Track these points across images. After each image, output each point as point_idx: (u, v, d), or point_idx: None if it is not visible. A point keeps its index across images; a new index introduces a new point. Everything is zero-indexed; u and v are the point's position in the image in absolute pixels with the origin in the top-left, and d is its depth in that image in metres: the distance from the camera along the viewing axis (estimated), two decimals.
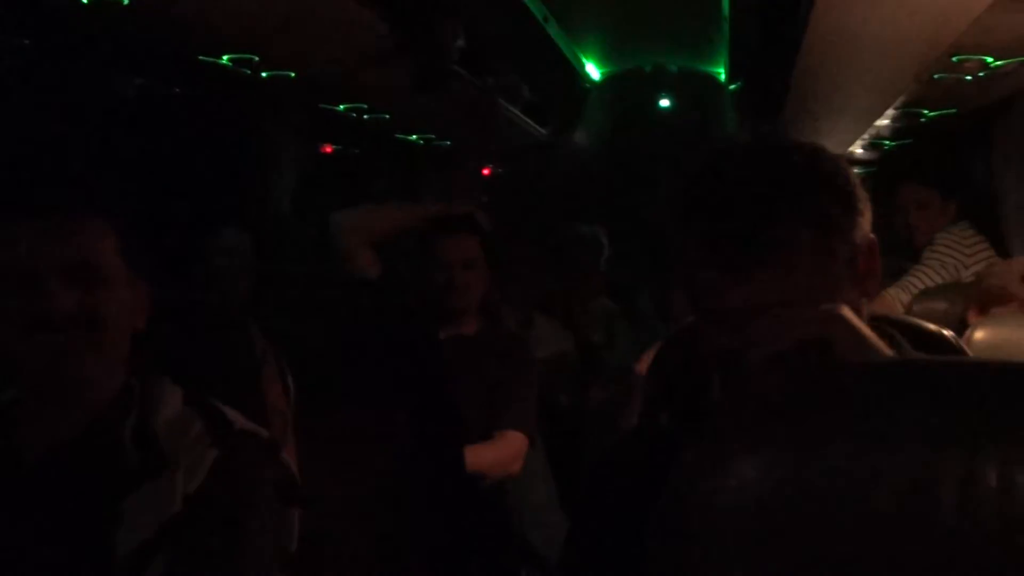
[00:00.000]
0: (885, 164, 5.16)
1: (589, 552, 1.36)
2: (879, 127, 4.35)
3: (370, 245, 3.29)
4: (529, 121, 5.68)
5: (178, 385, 1.52)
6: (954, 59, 2.87)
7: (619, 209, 6.66)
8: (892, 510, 0.66)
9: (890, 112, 3.94)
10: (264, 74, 3.37)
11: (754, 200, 1.15)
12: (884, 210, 3.47)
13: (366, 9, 2.97)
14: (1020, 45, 2.73)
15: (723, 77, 7.04)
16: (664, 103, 7.63)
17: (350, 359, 2.24)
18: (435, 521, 2.37)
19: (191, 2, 2.60)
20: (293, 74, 3.42)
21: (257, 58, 3.19)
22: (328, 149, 5.32)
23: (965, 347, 1.45)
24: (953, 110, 3.82)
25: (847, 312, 1.12)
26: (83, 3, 2.50)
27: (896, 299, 3.67)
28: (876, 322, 1.27)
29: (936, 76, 3.12)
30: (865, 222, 1.19)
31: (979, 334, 2.60)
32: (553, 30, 5.27)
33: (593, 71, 7.17)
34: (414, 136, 5.45)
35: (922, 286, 3.68)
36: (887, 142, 4.80)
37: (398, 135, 5.36)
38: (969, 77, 3.09)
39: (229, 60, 3.18)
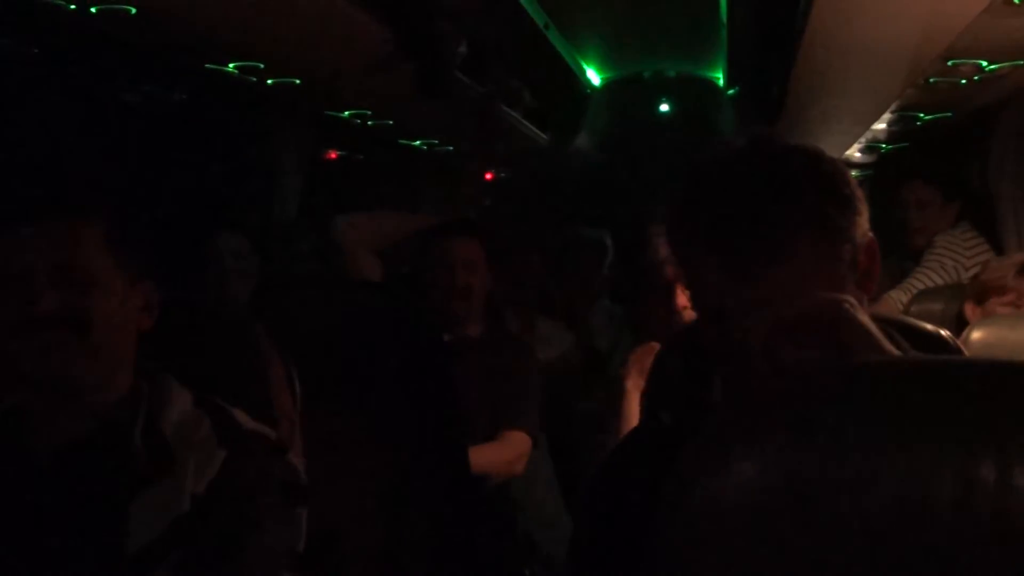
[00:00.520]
0: (882, 168, 5.18)
1: (594, 552, 1.37)
2: (876, 131, 4.36)
3: (371, 249, 3.33)
4: (530, 126, 5.69)
5: (186, 386, 1.53)
6: (949, 63, 2.89)
7: (619, 213, 6.67)
8: (891, 508, 0.66)
9: (886, 116, 3.95)
10: (269, 81, 3.39)
11: (754, 201, 1.15)
12: (882, 213, 3.48)
13: (370, 17, 2.99)
14: (1014, 49, 2.75)
15: (721, 82, 7.05)
16: (663, 108, 7.64)
17: (356, 360, 2.26)
18: (440, 521, 2.38)
19: (198, 11, 2.62)
20: (298, 81, 3.44)
21: (263, 65, 3.20)
22: (333, 155, 5.34)
23: (963, 347, 1.47)
24: (948, 113, 3.83)
25: (850, 298, 1.15)
26: (92, 12, 2.52)
27: (897, 301, 3.69)
28: (875, 323, 1.30)
29: (932, 80, 3.13)
30: (863, 221, 1.20)
31: (976, 334, 2.62)
32: (554, 36, 5.28)
33: (593, 76, 7.18)
34: (417, 141, 5.46)
35: (922, 287, 3.69)
36: (884, 146, 4.81)
37: (401, 140, 5.37)
38: (964, 81, 3.11)
39: (235, 68, 3.20)
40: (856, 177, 1.27)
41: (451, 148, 5.62)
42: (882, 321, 1.32)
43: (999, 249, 3.79)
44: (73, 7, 2.49)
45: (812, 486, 0.69)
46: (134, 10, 2.50)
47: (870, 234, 1.21)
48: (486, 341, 3.10)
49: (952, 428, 0.67)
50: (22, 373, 1.42)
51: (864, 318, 1.12)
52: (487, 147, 4.96)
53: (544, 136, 6.21)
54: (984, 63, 2.89)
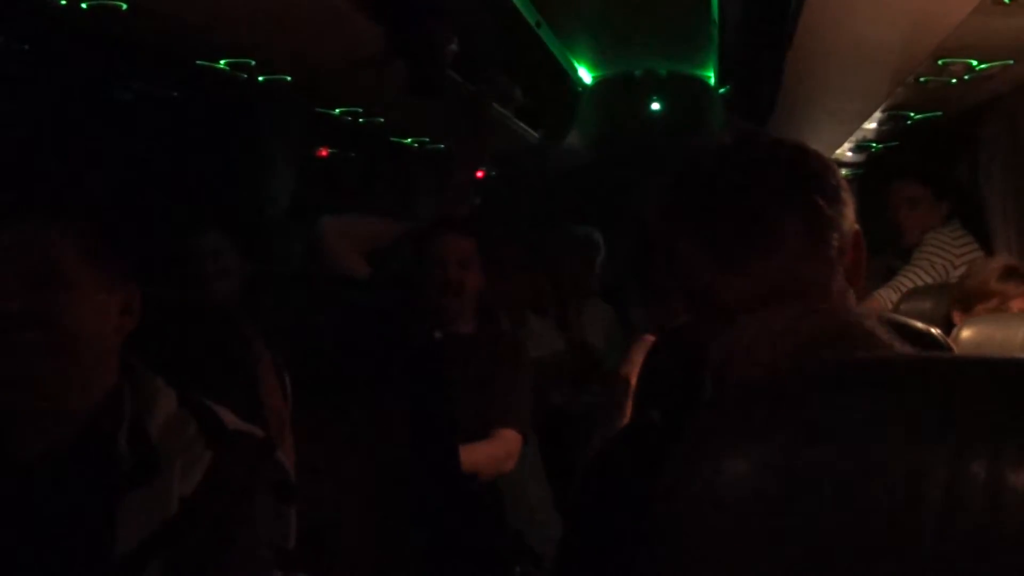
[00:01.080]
0: (872, 166, 5.19)
1: (585, 550, 1.38)
2: (866, 130, 4.38)
3: (355, 251, 3.33)
4: (522, 124, 5.70)
5: (172, 386, 1.52)
6: (940, 63, 2.90)
7: (611, 211, 6.68)
8: (881, 505, 0.66)
9: (877, 115, 3.96)
10: (261, 78, 3.38)
11: (742, 188, 1.17)
12: (872, 212, 3.49)
13: (362, 14, 2.99)
14: (1004, 48, 2.76)
15: (713, 81, 7.06)
16: (655, 106, 7.65)
17: (347, 358, 2.26)
18: (431, 519, 2.39)
19: (189, 7, 2.62)
20: (289, 78, 3.43)
21: (254, 62, 3.20)
22: (324, 152, 5.33)
23: (952, 345, 1.48)
24: (939, 113, 3.84)
25: (849, 310, 1.15)
26: (83, 7, 2.52)
27: (887, 300, 3.70)
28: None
29: (922, 79, 3.14)
30: (850, 213, 1.21)
31: (966, 332, 2.64)
32: (545, 34, 5.28)
33: (585, 75, 7.19)
34: (409, 139, 5.46)
35: (912, 286, 3.71)
36: (874, 145, 4.83)
37: (393, 138, 5.37)
38: (954, 80, 3.12)
39: (226, 64, 3.19)
40: (846, 176, 1.28)
41: (442, 146, 5.62)
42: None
43: (988, 247, 3.81)
44: (64, 2, 2.48)
45: (804, 483, 0.69)
46: (125, 5, 2.50)
47: (856, 226, 1.22)
48: (477, 339, 3.11)
49: (942, 425, 0.66)
50: None
51: (881, 331, 1.13)
52: (478, 145, 4.95)
53: (535, 134, 6.21)
54: (974, 62, 2.90)
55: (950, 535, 0.65)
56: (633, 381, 2.54)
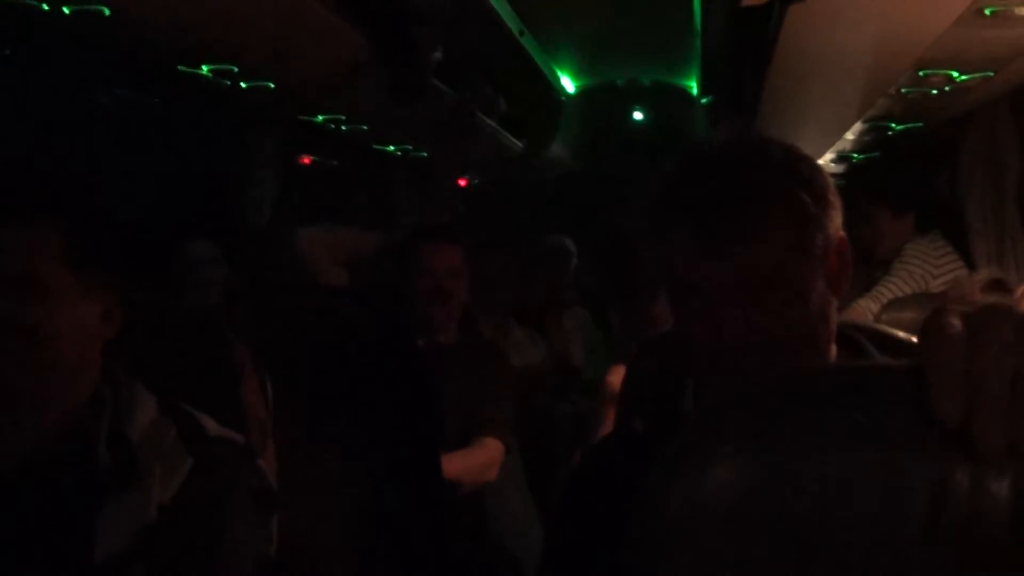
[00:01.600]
0: (853, 177, 5.23)
1: (567, 559, 1.38)
2: (847, 140, 4.41)
3: (334, 261, 3.33)
4: (505, 133, 5.71)
5: (152, 393, 1.51)
6: (921, 74, 2.92)
7: (593, 220, 6.69)
8: (866, 514, 0.66)
9: (858, 126, 3.99)
10: (243, 85, 3.37)
11: (733, 183, 1.19)
12: (851, 222, 3.49)
13: (345, 22, 2.99)
14: (984, 60, 2.78)
15: (695, 91, 7.09)
16: (637, 116, 7.68)
17: (329, 367, 2.25)
18: (413, 528, 2.38)
19: (171, 13, 2.61)
20: (272, 85, 3.42)
21: (236, 69, 3.19)
22: (306, 160, 5.33)
23: None
24: (919, 124, 3.87)
25: (829, 317, 1.16)
26: (64, 12, 2.51)
27: (867, 309, 3.72)
28: (845, 329, 1.32)
29: (903, 90, 3.16)
30: (837, 217, 1.23)
31: None
32: (529, 43, 5.29)
33: (568, 84, 7.20)
34: (391, 147, 5.46)
35: (891, 296, 3.73)
36: (855, 155, 4.86)
37: (376, 146, 5.37)
38: (935, 91, 3.14)
39: (208, 71, 3.18)
40: None
41: (425, 154, 5.62)
42: (852, 328, 1.33)
43: (968, 258, 3.83)
44: (46, 7, 2.47)
45: (788, 491, 0.69)
46: (107, 11, 2.49)
47: (842, 233, 1.24)
48: (460, 347, 3.10)
49: (927, 433, 0.66)
50: None
51: (863, 340, 1.13)
52: (461, 153, 4.96)
53: (519, 143, 6.22)
54: (955, 74, 2.92)
55: (933, 546, 0.65)
56: (615, 390, 2.55)
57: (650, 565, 0.75)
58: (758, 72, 3.36)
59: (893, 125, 3.92)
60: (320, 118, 4.23)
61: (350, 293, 3.27)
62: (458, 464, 2.76)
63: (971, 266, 3.83)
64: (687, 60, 6.24)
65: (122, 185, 3.60)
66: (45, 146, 3.17)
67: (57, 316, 1.38)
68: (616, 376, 2.65)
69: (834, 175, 5.25)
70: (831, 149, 4.66)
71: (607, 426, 2.62)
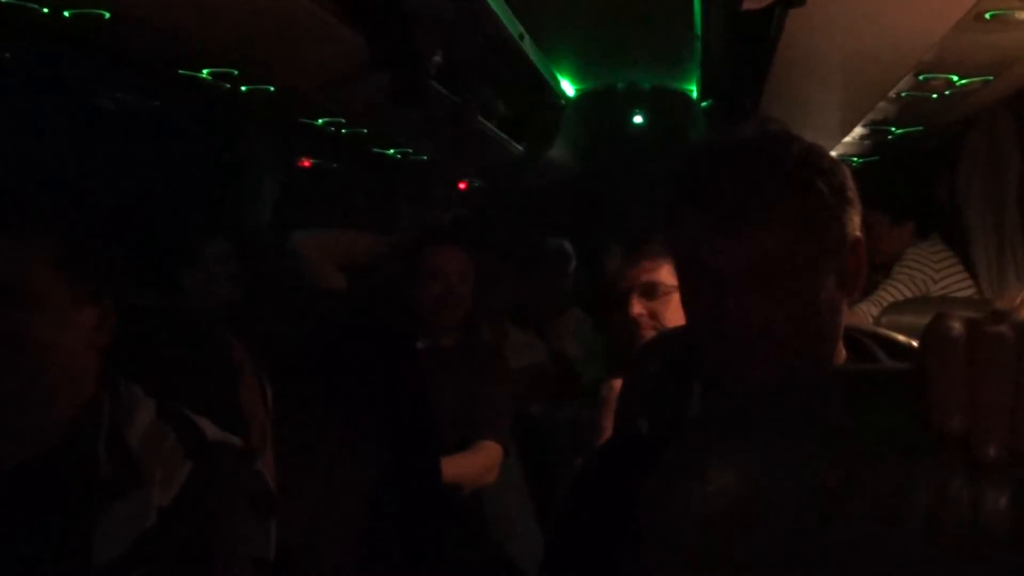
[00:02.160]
0: (854, 181, 5.22)
1: (569, 561, 1.38)
2: (847, 144, 4.41)
3: (332, 263, 3.32)
4: (505, 136, 5.71)
5: (151, 397, 1.51)
6: (921, 78, 2.92)
7: (593, 223, 6.70)
8: (865, 520, 0.65)
9: (858, 130, 3.99)
10: (243, 88, 3.37)
11: (751, 167, 1.20)
12: None
13: (345, 25, 2.99)
14: (985, 64, 2.78)
15: (695, 94, 7.09)
16: (637, 120, 7.68)
17: (329, 369, 2.25)
18: (412, 530, 2.38)
19: (172, 16, 2.61)
20: (272, 88, 3.42)
21: (236, 72, 3.19)
22: (306, 163, 5.33)
23: None
24: (919, 128, 3.87)
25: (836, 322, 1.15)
26: (65, 16, 2.50)
27: (867, 314, 3.72)
28: (853, 333, 1.31)
29: (903, 95, 3.17)
30: (855, 216, 1.23)
31: None
32: (529, 47, 5.29)
33: (568, 88, 7.20)
34: (391, 150, 5.46)
35: (892, 300, 3.73)
36: (855, 159, 4.86)
37: (375, 149, 5.37)
38: (935, 95, 3.15)
39: (209, 74, 3.18)
40: None
41: (425, 157, 5.62)
42: (856, 331, 1.33)
43: (968, 262, 3.84)
44: (46, 11, 2.46)
45: (788, 494, 0.68)
46: (107, 14, 2.49)
47: (859, 234, 1.23)
48: (459, 350, 3.10)
49: (927, 439, 0.65)
50: None
51: (868, 343, 1.13)
52: (461, 156, 4.97)
53: (518, 146, 6.22)
54: (955, 78, 2.92)
55: (934, 552, 0.64)
56: (615, 393, 2.54)
57: (654, 568, 0.75)
58: (758, 76, 3.37)
59: (893, 129, 3.93)
60: (320, 121, 4.23)
61: (350, 296, 3.27)
62: (457, 467, 2.76)
63: (971, 271, 3.83)
64: (687, 64, 6.24)
65: (121, 189, 3.61)
66: (40, 152, 3.17)
67: (50, 324, 1.38)
68: (617, 380, 2.64)
69: None
70: (831, 153, 4.66)
71: (607, 430, 2.62)
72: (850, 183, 1.24)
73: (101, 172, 3.48)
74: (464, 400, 2.94)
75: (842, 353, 1.26)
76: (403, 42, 3.37)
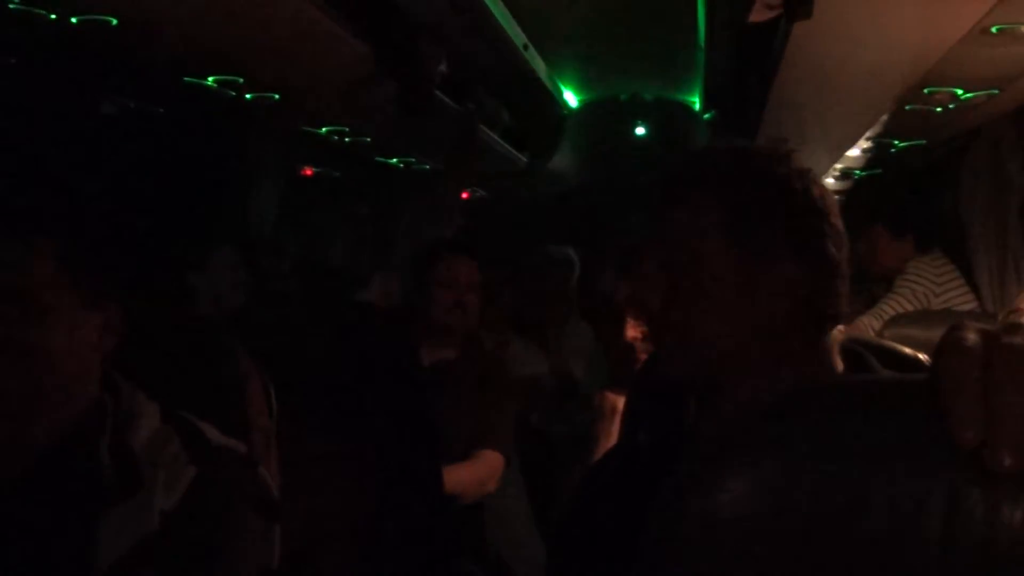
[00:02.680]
0: (855, 194, 5.23)
1: (571, 570, 1.38)
2: (851, 157, 4.41)
3: None
4: (508, 147, 5.71)
5: (155, 401, 1.50)
6: (925, 91, 2.92)
7: (595, 233, 6.69)
8: (879, 530, 0.65)
9: (861, 143, 3.99)
10: (248, 96, 3.38)
11: (742, 174, 1.25)
12: (854, 237, 3.50)
13: (350, 34, 3.00)
14: (989, 78, 2.79)
15: (698, 106, 7.10)
16: (640, 131, 7.69)
17: (332, 379, 2.25)
18: (413, 539, 2.38)
19: (178, 24, 2.61)
20: (277, 96, 3.43)
21: (242, 80, 3.20)
22: (309, 171, 5.33)
23: None
24: (922, 141, 3.87)
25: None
26: (72, 22, 2.51)
27: (868, 327, 3.72)
28: (851, 344, 1.31)
29: (907, 108, 3.17)
30: (830, 246, 1.24)
31: None
32: (532, 58, 5.30)
33: (571, 98, 7.22)
34: (395, 159, 5.47)
35: (894, 313, 3.73)
36: (858, 172, 4.86)
37: (379, 158, 5.38)
38: (939, 109, 3.15)
39: (214, 81, 3.19)
40: None
41: (428, 167, 5.63)
42: (857, 343, 1.33)
43: (969, 275, 3.84)
44: (53, 17, 2.47)
45: (802, 504, 0.68)
46: (115, 21, 2.50)
47: (834, 255, 1.25)
48: (462, 360, 3.10)
49: (941, 449, 0.65)
50: None
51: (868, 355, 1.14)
52: (465, 166, 4.97)
53: (522, 157, 6.23)
54: (959, 91, 2.92)
55: (948, 564, 0.64)
56: (614, 404, 2.54)
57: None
58: (762, 88, 3.37)
59: (896, 142, 3.93)
60: (324, 130, 4.24)
61: (352, 305, 3.27)
62: (458, 477, 2.76)
63: (973, 285, 3.83)
64: (690, 75, 6.25)
65: (127, 195, 3.61)
66: (46, 157, 3.17)
67: (54, 327, 1.37)
68: (611, 392, 2.64)
69: (837, 192, 5.25)
70: (834, 166, 4.66)
71: (602, 441, 2.62)
72: (830, 198, 1.29)
73: (106, 177, 3.48)
74: (467, 410, 2.94)
75: (839, 365, 1.26)
76: (408, 52, 3.38)
